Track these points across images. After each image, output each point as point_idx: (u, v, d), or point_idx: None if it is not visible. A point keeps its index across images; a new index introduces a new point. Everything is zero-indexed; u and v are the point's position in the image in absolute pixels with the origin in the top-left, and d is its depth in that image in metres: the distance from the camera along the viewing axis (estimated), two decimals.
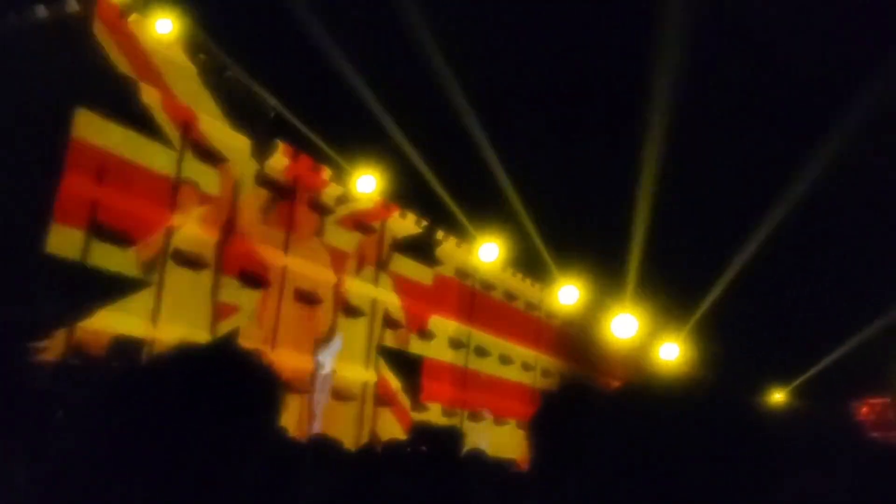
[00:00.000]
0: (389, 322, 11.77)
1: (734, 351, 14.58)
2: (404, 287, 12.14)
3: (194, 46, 8.66)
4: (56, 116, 7.28)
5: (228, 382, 1.38)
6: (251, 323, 9.42)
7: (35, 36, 7.35)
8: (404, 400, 11.90)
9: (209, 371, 1.39)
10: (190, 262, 8.65)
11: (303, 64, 9.68)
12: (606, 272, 14.55)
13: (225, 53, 8.81)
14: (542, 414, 2.10)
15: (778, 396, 17.24)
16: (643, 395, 1.18)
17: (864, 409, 17.72)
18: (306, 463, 4.31)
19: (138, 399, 1.35)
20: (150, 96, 8.26)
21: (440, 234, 12.75)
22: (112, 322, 7.64)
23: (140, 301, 8.13)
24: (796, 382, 17.45)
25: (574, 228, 13.82)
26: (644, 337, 16.22)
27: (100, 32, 7.72)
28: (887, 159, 13.41)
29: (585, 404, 1.21)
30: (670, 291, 15.28)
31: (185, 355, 1.42)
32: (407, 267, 12.22)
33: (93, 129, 7.62)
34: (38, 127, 7.18)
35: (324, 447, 4.96)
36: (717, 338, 15.63)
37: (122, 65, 7.98)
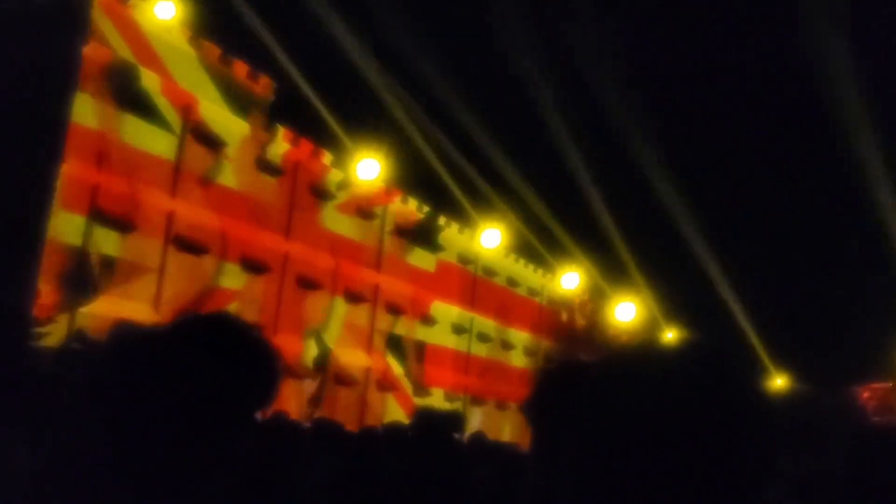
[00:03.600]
0: (391, 308, 11.77)
1: (735, 337, 14.60)
2: (407, 273, 12.14)
3: (194, 30, 8.61)
4: (55, 101, 7.26)
5: (227, 353, 1.38)
6: (252, 309, 9.42)
7: (34, 19, 7.32)
8: (406, 385, 11.93)
9: (207, 341, 1.38)
10: (191, 247, 8.65)
11: (304, 46, 9.66)
12: (609, 258, 14.56)
13: (225, 36, 8.77)
14: (535, 394, 2.10)
15: (779, 381, 17.26)
16: (633, 365, 1.17)
17: (866, 395, 17.73)
18: (308, 445, 4.32)
19: (137, 370, 1.35)
20: (149, 81, 8.22)
21: (442, 220, 12.73)
22: (113, 307, 7.64)
23: (141, 286, 8.13)
24: (797, 368, 17.46)
25: (577, 214, 13.82)
26: (645, 323, 16.24)
27: (98, 16, 7.67)
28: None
29: (579, 382, 1.20)
30: (672, 279, 15.29)
31: (184, 326, 1.42)
32: (409, 253, 12.21)
33: (92, 114, 7.60)
34: (37, 112, 7.16)
35: (326, 430, 4.97)
36: (721, 325, 15.65)
37: (122, 49, 7.95)
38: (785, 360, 17.41)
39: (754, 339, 15.97)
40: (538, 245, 14.18)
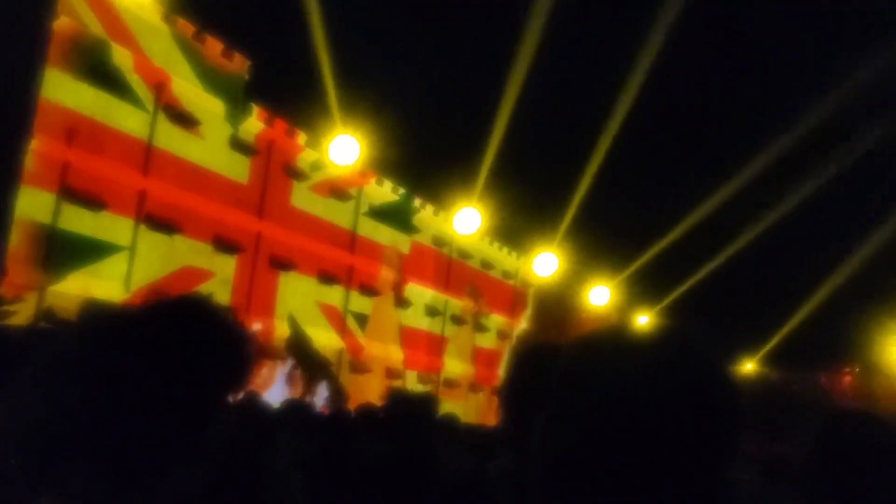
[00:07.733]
0: (365, 289, 11.76)
1: (704, 322, 14.76)
2: (381, 254, 12.13)
3: (168, 6, 8.48)
4: (25, 77, 7.12)
5: (199, 335, 1.37)
6: (225, 289, 9.37)
7: None
8: (380, 366, 11.94)
9: (180, 322, 1.37)
10: (163, 226, 8.56)
11: (279, 24, 9.54)
12: (583, 242, 14.65)
13: (200, 12, 8.64)
14: (509, 376, 2.12)
15: (748, 367, 17.52)
16: (604, 349, 1.18)
17: (834, 380, 18.03)
18: (280, 426, 4.31)
19: (107, 351, 1.33)
20: (121, 57, 8.10)
21: (417, 202, 12.72)
22: (84, 286, 7.55)
23: (113, 265, 8.05)
24: (764, 353, 17.74)
25: (552, 198, 13.87)
26: (618, 308, 16.39)
27: None
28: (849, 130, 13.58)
29: (552, 365, 1.21)
30: (644, 264, 15.43)
31: (156, 307, 1.41)
32: (384, 235, 12.20)
33: (63, 90, 7.47)
34: (6, 87, 7.02)
35: (298, 411, 4.97)
36: (689, 311, 15.84)
37: (93, 24, 7.81)
38: (754, 347, 17.67)
39: (724, 325, 16.19)
40: (513, 228, 14.23)
